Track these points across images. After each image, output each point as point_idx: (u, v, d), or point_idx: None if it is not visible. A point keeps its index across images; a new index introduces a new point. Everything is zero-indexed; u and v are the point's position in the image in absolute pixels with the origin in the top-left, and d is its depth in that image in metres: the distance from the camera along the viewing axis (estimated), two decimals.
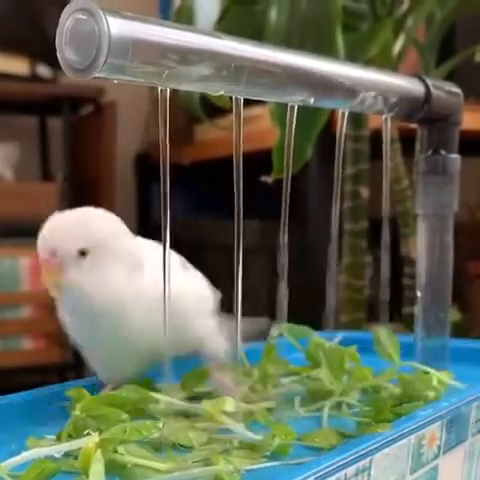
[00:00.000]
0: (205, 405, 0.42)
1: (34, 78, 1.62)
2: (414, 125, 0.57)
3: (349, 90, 0.41)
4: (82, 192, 1.68)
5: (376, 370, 0.52)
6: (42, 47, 1.57)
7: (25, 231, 1.68)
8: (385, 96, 0.45)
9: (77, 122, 1.73)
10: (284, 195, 0.42)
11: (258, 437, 0.40)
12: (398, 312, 0.99)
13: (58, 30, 0.30)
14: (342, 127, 0.44)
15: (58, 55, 0.30)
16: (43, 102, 1.67)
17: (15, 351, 1.61)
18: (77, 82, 1.60)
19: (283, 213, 0.43)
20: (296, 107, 0.40)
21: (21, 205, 1.61)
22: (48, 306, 1.65)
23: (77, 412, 0.39)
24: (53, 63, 1.62)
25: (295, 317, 0.56)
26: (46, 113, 1.80)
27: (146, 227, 1.91)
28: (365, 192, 0.97)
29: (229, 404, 0.43)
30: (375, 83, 0.44)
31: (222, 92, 0.36)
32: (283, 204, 0.42)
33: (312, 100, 0.40)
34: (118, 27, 0.29)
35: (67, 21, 0.30)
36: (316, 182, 1.12)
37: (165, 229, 0.35)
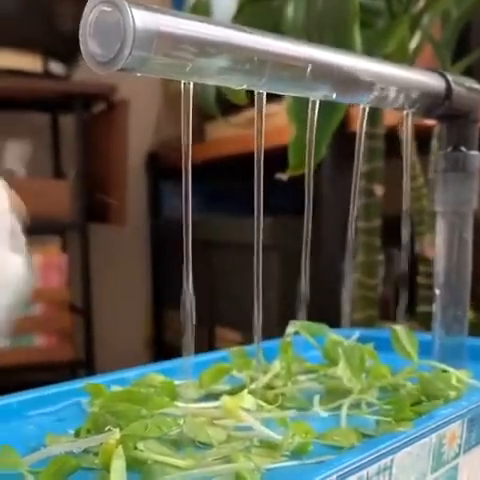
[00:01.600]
0: (224, 402, 0.42)
1: (47, 75, 1.62)
2: (430, 123, 0.56)
3: (371, 85, 0.41)
4: (93, 190, 1.68)
5: (393, 368, 0.52)
6: (55, 44, 1.57)
7: (37, 228, 1.69)
8: (407, 91, 0.44)
9: (89, 120, 1.73)
10: (307, 191, 0.42)
11: (277, 435, 0.40)
12: (412, 310, 0.98)
13: (82, 22, 0.30)
14: (362, 123, 0.44)
15: (81, 48, 0.30)
16: (55, 99, 1.67)
17: (27, 348, 1.61)
18: (89, 79, 1.60)
19: (306, 212, 0.42)
20: (318, 102, 0.40)
21: (33, 202, 1.61)
22: (60, 303, 1.66)
23: (96, 408, 0.39)
24: (66, 60, 1.62)
25: (308, 315, 0.56)
26: (58, 110, 1.80)
27: (156, 224, 1.91)
28: (379, 190, 0.97)
29: (248, 401, 0.43)
30: (397, 78, 0.43)
31: (244, 86, 0.35)
32: (306, 202, 0.42)
33: (334, 95, 0.40)
34: (143, 19, 0.29)
35: (91, 13, 0.30)
36: (330, 180, 1.11)
37: (187, 227, 0.35)
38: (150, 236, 1.94)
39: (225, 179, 1.77)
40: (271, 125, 1.24)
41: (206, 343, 1.58)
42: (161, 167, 1.85)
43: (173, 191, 1.84)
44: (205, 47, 0.32)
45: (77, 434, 0.40)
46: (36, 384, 0.49)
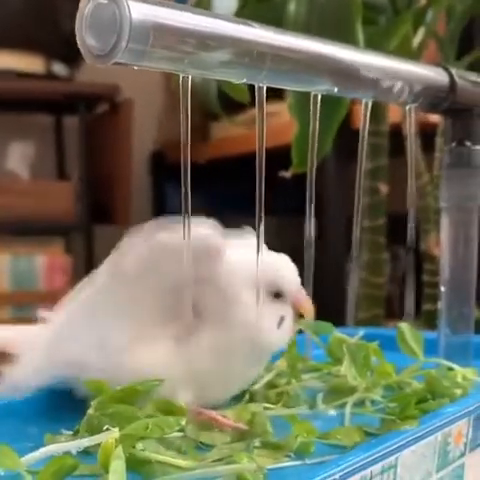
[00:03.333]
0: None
1: (50, 76, 1.62)
2: (435, 119, 0.56)
3: (373, 79, 0.40)
4: (97, 191, 1.68)
5: (397, 367, 0.51)
6: (58, 45, 1.57)
7: (41, 230, 1.68)
8: (409, 86, 0.44)
9: (93, 120, 1.72)
10: (308, 186, 0.41)
11: (279, 435, 0.39)
12: (418, 309, 0.98)
13: (78, 15, 0.29)
14: (366, 118, 0.43)
15: (78, 41, 0.29)
16: (59, 100, 1.67)
17: None
18: (92, 80, 1.60)
19: (308, 206, 0.42)
20: (319, 96, 0.39)
21: (37, 204, 1.61)
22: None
23: (91, 411, 0.38)
24: (69, 61, 1.62)
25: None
26: (62, 111, 1.80)
27: None
28: (384, 188, 0.96)
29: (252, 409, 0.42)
30: (400, 72, 0.43)
31: (244, 80, 0.35)
32: (308, 194, 0.42)
33: (336, 89, 0.39)
34: (139, 11, 0.28)
35: (87, 6, 0.29)
36: (334, 177, 1.11)
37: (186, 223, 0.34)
38: None
39: (230, 179, 1.76)
40: (276, 124, 1.23)
41: None
42: (165, 166, 1.85)
43: (177, 190, 1.83)
44: (203, 40, 0.31)
45: (75, 434, 0.39)
46: None
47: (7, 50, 1.56)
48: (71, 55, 1.61)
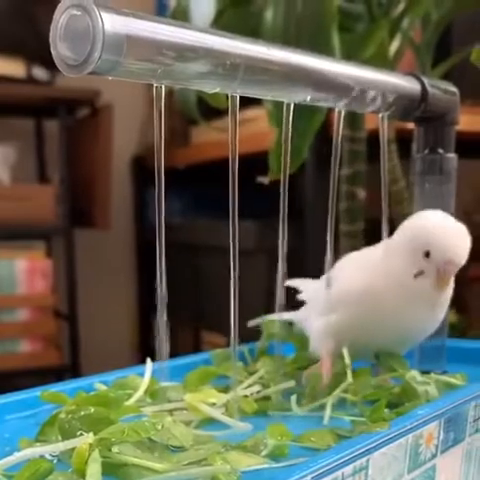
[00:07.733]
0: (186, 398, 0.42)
1: (30, 80, 1.62)
2: (411, 126, 0.57)
3: (346, 88, 0.41)
4: (78, 195, 1.68)
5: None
6: (38, 49, 1.56)
7: (21, 233, 1.68)
8: (382, 94, 0.45)
9: (73, 125, 1.72)
10: (282, 192, 0.42)
11: (245, 425, 0.40)
12: None
13: (52, 26, 0.30)
14: (339, 126, 0.44)
15: (52, 51, 0.30)
16: (39, 104, 1.67)
17: (12, 354, 1.60)
18: (73, 85, 1.60)
19: (282, 211, 0.42)
20: (292, 105, 0.40)
21: (17, 207, 1.61)
22: (45, 308, 1.65)
23: (62, 415, 0.38)
24: (49, 65, 1.62)
25: None
26: (42, 115, 1.80)
27: (142, 228, 1.91)
28: (361, 193, 0.97)
29: (212, 395, 0.43)
30: (372, 81, 0.43)
31: (218, 90, 0.36)
32: (281, 202, 0.42)
33: (308, 98, 0.40)
34: (112, 23, 0.29)
35: (61, 17, 0.30)
36: (313, 184, 1.12)
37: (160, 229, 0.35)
38: (135, 240, 1.93)
39: (210, 183, 1.77)
40: (254, 129, 1.24)
41: (191, 347, 1.58)
42: (146, 171, 1.85)
43: None
44: (177, 51, 0.32)
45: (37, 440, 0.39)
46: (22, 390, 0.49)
47: None
48: (51, 59, 1.60)
